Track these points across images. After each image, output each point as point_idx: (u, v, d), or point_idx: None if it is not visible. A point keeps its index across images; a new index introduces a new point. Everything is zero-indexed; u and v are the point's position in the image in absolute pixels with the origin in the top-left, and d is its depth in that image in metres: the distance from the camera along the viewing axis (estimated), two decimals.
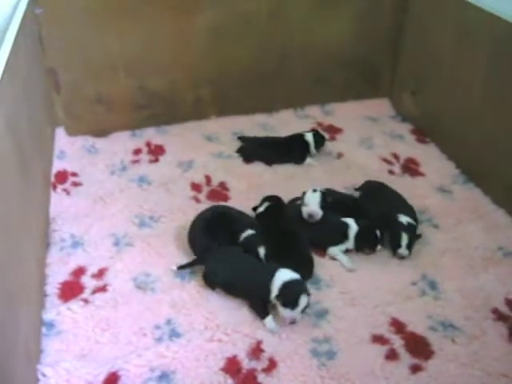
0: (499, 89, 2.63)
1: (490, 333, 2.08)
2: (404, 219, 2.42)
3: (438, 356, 1.99)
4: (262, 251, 2.28)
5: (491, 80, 2.68)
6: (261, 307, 2.11)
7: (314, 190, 2.49)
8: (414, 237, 2.40)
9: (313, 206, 2.44)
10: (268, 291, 2.07)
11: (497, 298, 2.22)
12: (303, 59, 3.36)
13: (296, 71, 3.39)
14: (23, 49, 2.43)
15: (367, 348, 2.02)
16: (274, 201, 2.55)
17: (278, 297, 2.04)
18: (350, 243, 2.40)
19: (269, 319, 2.07)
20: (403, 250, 2.36)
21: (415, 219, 2.49)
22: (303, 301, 2.02)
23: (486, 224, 2.59)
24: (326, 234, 2.44)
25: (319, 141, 3.05)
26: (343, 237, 2.40)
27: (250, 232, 2.34)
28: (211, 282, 2.23)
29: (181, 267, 2.29)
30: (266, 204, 2.53)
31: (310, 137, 3.03)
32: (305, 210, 2.45)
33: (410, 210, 2.54)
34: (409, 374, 1.93)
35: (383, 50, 3.48)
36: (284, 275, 2.08)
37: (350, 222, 2.43)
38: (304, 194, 2.50)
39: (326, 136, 3.18)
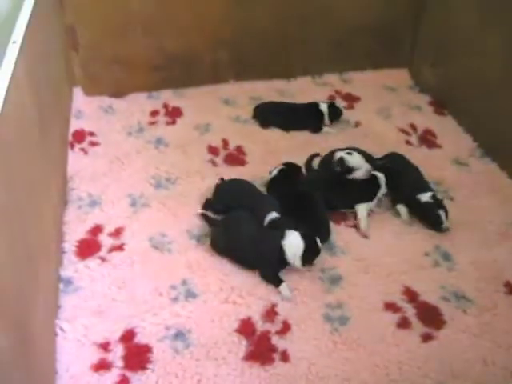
0: None
1: (501, 305, 2.10)
2: (427, 196, 2.41)
3: (449, 326, 2.02)
4: None
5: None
6: (273, 276, 2.12)
7: (349, 153, 2.49)
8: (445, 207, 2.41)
9: (366, 164, 2.47)
10: (280, 253, 2.10)
11: (509, 272, 2.23)
12: (323, 26, 3.32)
13: (315, 38, 3.35)
14: (43, 7, 2.41)
15: (379, 315, 2.05)
16: (288, 166, 2.56)
17: (303, 263, 2.11)
18: (382, 190, 2.47)
19: (283, 286, 2.09)
20: (446, 224, 2.38)
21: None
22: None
23: (501, 198, 2.59)
24: (360, 190, 2.45)
25: (334, 113, 3.01)
26: (376, 189, 2.45)
27: (274, 215, 2.28)
28: (215, 249, 2.24)
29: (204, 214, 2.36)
30: (279, 168, 2.54)
31: (324, 107, 3.00)
32: (361, 172, 2.44)
33: (427, 185, 2.53)
34: (420, 343, 1.96)
35: (404, 20, 3.42)
36: (297, 243, 2.10)
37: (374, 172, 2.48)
38: (340, 159, 2.47)
39: (343, 105, 3.18)
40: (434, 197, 2.42)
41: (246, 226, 2.25)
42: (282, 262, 2.13)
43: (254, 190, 2.45)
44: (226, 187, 2.48)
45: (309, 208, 2.36)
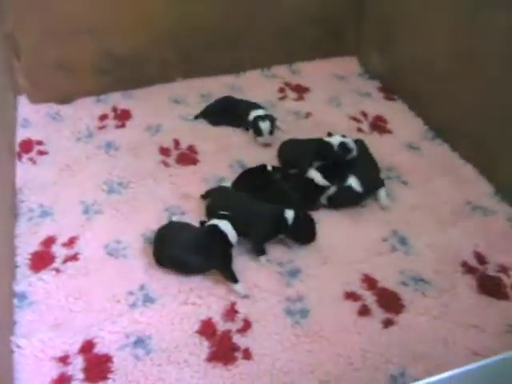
0: (465, 45, 2.61)
1: (459, 285, 2.12)
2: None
3: (408, 310, 2.03)
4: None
5: (457, 35, 2.65)
6: (230, 273, 2.09)
7: (344, 136, 2.56)
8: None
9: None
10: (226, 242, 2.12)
11: (466, 252, 2.25)
12: (269, 18, 3.30)
13: (262, 31, 3.32)
14: None
15: (340, 305, 2.05)
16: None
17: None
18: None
19: (240, 285, 2.07)
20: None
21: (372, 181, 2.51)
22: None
23: (454, 179, 2.62)
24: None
25: (255, 126, 2.80)
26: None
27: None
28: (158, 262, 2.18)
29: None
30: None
31: (253, 115, 2.84)
32: (355, 152, 2.52)
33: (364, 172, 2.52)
34: (381, 329, 1.97)
35: (349, 7, 3.43)
36: (230, 227, 2.12)
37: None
38: (342, 144, 2.50)
39: (293, 97, 3.20)
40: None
41: (180, 232, 2.21)
42: (229, 251, 2.13)
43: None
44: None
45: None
